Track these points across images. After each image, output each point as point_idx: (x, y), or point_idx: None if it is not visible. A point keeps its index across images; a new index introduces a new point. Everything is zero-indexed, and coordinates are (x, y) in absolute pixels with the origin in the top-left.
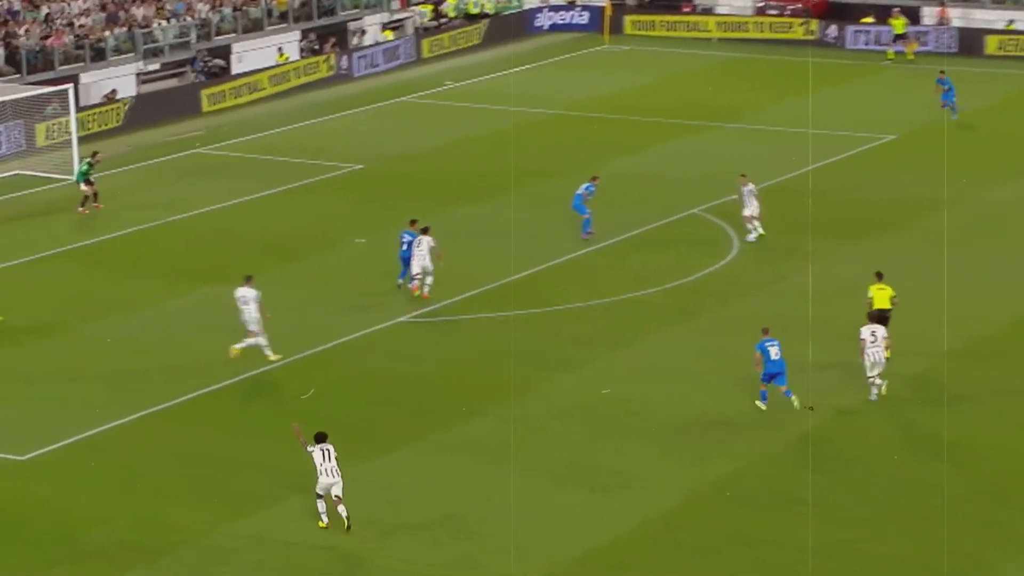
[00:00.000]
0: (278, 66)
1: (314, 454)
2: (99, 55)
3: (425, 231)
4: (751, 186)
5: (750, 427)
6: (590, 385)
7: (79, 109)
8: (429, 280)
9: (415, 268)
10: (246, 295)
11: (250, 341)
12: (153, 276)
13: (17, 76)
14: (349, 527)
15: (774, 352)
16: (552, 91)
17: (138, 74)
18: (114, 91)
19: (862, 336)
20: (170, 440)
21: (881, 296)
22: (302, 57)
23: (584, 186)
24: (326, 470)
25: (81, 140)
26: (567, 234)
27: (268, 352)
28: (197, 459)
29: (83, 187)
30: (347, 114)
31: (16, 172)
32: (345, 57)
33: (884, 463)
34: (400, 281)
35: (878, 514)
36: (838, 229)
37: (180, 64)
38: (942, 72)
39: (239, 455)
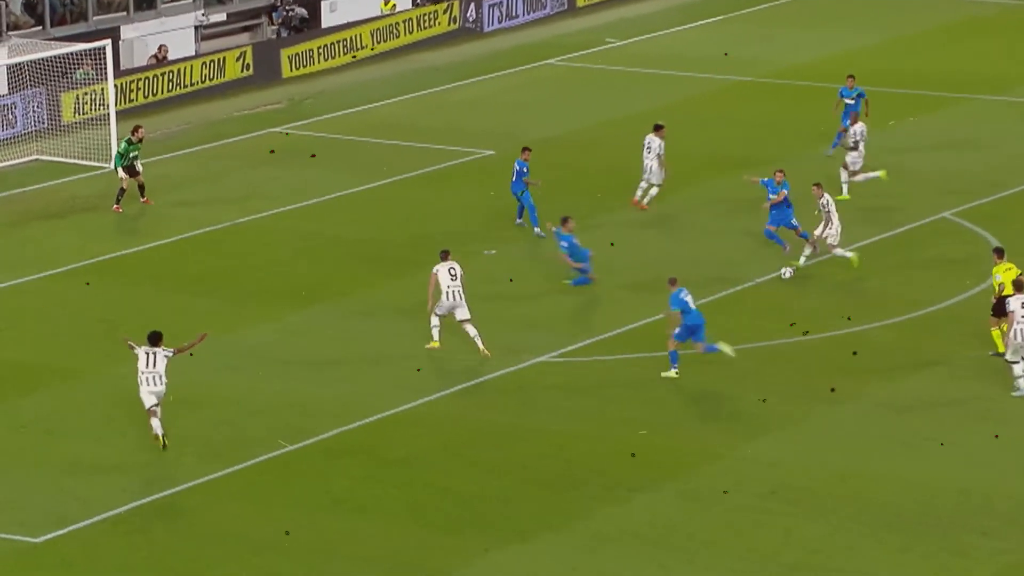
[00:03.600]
0: (383, 17)
1: (139, 356)
2: (146, 2)
3: (659, 129)
4: (827, 198)
5: (1019, 512)
6: (795, 453)
7: (119, 74)
8: (654, 191)
9: (654, 177)
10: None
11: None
12: (217, 297)
13: (38, 29)
14: (165, 446)
15: (692, 301)
16: (746, 52)
17: (197, 27)
18: (163, 48)
19: (1010, 308)
20: (231, 518)
21: (1011, 276)
22: (415, 6)
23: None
24: (148, 378)
25: (121, 115)
26: (765, 246)
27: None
28: (270, 543)
29: (123, 175)
30: (474, 82)
31: (36, 157)
32: (472, 6)
33: None
34: (519, 221)
35: None
36: None
37: (253, 14)
38: (851, 77)
39: (316, 536)
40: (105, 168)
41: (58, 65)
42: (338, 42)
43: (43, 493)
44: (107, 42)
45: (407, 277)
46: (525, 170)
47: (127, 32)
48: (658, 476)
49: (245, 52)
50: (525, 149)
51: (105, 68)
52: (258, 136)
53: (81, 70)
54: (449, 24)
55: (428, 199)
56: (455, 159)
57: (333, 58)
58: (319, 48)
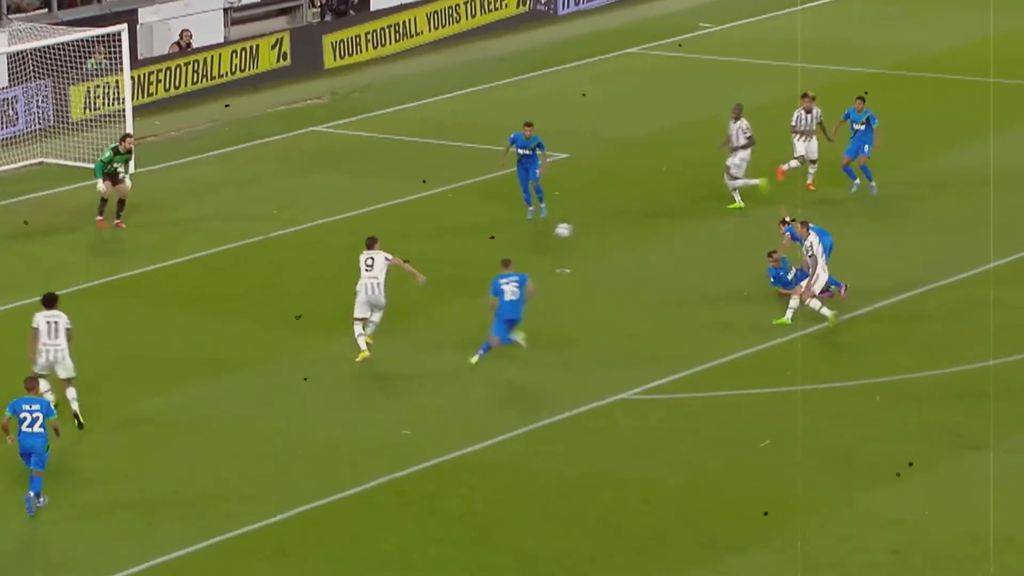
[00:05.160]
0: None
1: (39, 325)
2: None
3: (803, 98)
4: (812, 240)
5: None
6: (921, 507)
7: (136, 64)
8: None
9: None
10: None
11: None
12: (250, 321)
13: (44, 12)
14: (81, 425)
15: (511, 292)
16: (868, 38)
17: (226, 9)
18: (187, 34)
19: None
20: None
21: None
22: None
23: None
24: (49, 350)
25: (138, 111)
26: (888, 264)
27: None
28: None
29: (102, 186)
30: (545, 74)
31: (41, 160)
32: None
33: None
34: (530, 209)
35: None
36: None
37: None
38: (862, 97)
39: None
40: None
41: (67, 53)
42: (389, 27)
43: (55, 546)
44: (123, 27)
45: (466, 299)
46: (524, 147)
47: (146, 15)
48: (758, 533)
49: (282, 39)
50: (527, 124)
51: (120, 57)
52: (297, 135)
53: (93, 59)
54: (517, 7)
55: (491, 209)
56: None
57: (383, 46)
58: (367, 34)
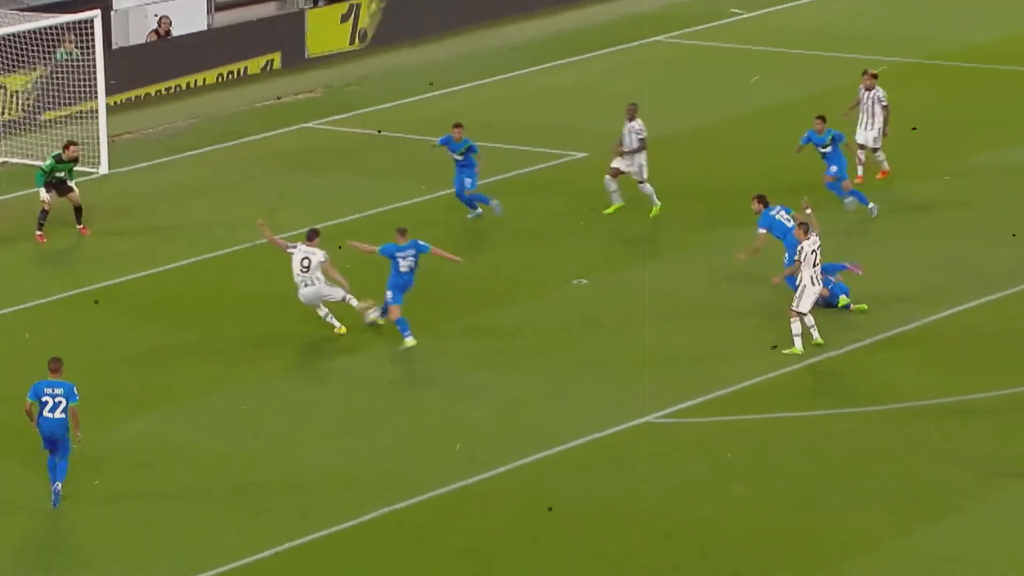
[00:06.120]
0: None
1: None
2: None
3: (869, 76)
4: (805, 245)
5: None
6: (976, 542)
7: (111, 79)
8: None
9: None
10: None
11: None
12: (233, 337)
13: None
14: None
15: (407, 265)
16: (914, 26)
17: None
18: (165, 22)
19: None
20: None
21: None
22: None
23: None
24: None
25: (112, 107)
26: (934, 276)
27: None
28: None
29: (44, 196)
30: (562, 64)
31: (4, 160)
32: None
33: None
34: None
35: None
36: None
37: None
38: (820, 119)
39: None
40: (92, 173)
41: (33, 42)
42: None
43: None
44: (96, 13)
45: (474, 316)
46: (455, 151)
47: (121, 1)
48: (796, 570)
49: (272, 60)
50: (456, 126)
51: (93, 46)
52: (286, 133)
53: (63, 49)
54: None
55: (504, 215)
56: (538, 163)
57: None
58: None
